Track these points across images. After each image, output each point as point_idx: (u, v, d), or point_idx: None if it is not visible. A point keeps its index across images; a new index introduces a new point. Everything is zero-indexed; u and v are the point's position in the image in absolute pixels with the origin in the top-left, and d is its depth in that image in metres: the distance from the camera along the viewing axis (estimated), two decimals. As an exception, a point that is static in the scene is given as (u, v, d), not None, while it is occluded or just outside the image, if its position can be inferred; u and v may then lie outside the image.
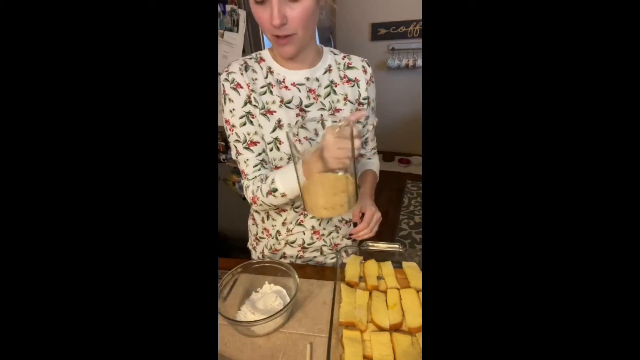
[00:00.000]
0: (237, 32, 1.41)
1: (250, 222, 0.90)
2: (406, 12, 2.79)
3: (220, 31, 1.42)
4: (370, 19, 2.92)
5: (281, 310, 0.60)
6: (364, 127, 0.80)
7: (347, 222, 0.87)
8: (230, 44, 1.44)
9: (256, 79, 0.69)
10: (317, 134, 0.71)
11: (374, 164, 0.88)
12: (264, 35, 1.42)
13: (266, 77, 0.70)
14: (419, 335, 0.58)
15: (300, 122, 0.69)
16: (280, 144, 0.69)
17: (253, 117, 0.68)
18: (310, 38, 0.66)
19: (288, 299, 0.68)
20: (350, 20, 2.96)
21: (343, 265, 0.73)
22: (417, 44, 2.84)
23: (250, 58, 0.71)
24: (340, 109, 0.73)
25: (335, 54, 0.75)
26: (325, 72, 0.73)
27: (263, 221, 0.83)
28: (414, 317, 0.59)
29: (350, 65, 0.74)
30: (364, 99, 0.75)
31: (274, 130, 0.69)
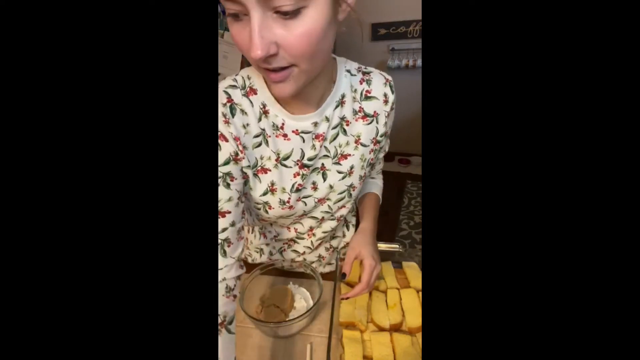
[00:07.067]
0: (237, 32, 1.41)
1: None
2: (406, 12, 2.79)
3: (220, 31, 1.42)
4: (370, 19, 2.92)
5: (305, 313, 0.60)
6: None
7: (333, 249, 0.78)
8: (230, 44, 1.44)
9: (248, 124, 0.49)
10: (315, 189, 0.57)
11: (377, 184, 0.76)
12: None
13: (259, 121, 0.50)
14: (419, 335, 0.58)
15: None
16: (270, 209, 0.56)
17: (232, 180, 0.49)
18: (322, 67, 0.45)
19: (311, 302, 0.68)
20: (350, 20, 2.95)
21: (343, 265, 0.73)
22: (417, 44, 2.84)
23: (235, 87, 0.49)
24: (349, 155, 0.56)
25: (352, 74, 0.54)
26: (337, 107, 0.53)
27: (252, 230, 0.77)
28: (414, 317, 0.60)
29: (369, 95, 0.55)
30: (382, 135, 0.58)
31: (264, 194, 0.55)
